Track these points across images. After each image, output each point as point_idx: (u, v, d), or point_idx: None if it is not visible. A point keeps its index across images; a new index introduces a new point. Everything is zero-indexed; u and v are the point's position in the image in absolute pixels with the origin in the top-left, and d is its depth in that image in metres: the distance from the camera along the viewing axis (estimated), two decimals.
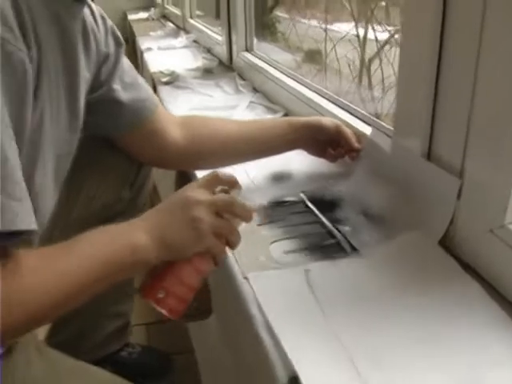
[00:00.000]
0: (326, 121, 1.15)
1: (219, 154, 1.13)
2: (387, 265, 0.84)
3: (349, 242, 0.91)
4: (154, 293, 0.73)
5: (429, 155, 0.91)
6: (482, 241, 0.80)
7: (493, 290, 0.77)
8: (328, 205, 1.04)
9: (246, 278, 0.82)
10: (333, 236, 0.94)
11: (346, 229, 0.95)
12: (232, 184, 0.83)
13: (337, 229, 0.95)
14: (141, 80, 1.08)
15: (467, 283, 0.78)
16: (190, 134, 1.10)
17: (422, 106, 0.89)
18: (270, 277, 0.83)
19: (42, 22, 0.72)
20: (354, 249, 0.89)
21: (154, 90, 2.09)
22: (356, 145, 1.12)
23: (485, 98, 0.76)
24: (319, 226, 0.97)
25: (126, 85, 1.02)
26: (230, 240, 0.79)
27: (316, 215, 1.01)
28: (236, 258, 0.88)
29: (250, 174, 1.20)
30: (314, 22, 2.04)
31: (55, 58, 0.78)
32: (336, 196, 1.06)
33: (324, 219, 0.99)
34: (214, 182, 0.81)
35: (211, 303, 1.12)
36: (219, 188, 0.81)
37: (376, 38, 1.69)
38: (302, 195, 1.09)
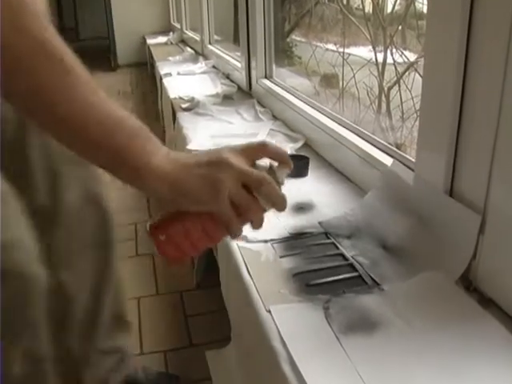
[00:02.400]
0: None
1: None
2: (405, 302, 0.83)
3: (369, 275, 0.92)
4: (157, 233, 0.73)
5: (451, 190, 0.91)
6: (506, 276, 0.80)
7: None
8: (348, 236, 1.04)
9: (268, 310, 0.83)
10: (354, 268, 0.94)
11: (366, 262, 0.95)
12: (280, 159, 0.73)
13: (357, 261, 0.96)
14: None
15: (486, 321, 0.78)
16: None
17: (444, 140, 0.89)
18: (292, 310, 0.83)
19: None
20: (374, 281, 0.90)
21: (174, 115, 2.11)
22: None
23: (510, 132, 0.75)
24: (341, 259, 0.98)
25: None
26: (251, 218, 0.72)
27: (337, 247, 1.01)
28: (258, 290, 0.89)
29: None
30: (330, 46, 2.05)
31: None
32: (355, 227, 1.07)
33: (345, 251, 0.99)
34: (258, 152, 0.72)
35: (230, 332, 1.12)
36: (266, 162, 0.72)
37: (395, 65, 1.70)
38: (322, 226, 1.09)
